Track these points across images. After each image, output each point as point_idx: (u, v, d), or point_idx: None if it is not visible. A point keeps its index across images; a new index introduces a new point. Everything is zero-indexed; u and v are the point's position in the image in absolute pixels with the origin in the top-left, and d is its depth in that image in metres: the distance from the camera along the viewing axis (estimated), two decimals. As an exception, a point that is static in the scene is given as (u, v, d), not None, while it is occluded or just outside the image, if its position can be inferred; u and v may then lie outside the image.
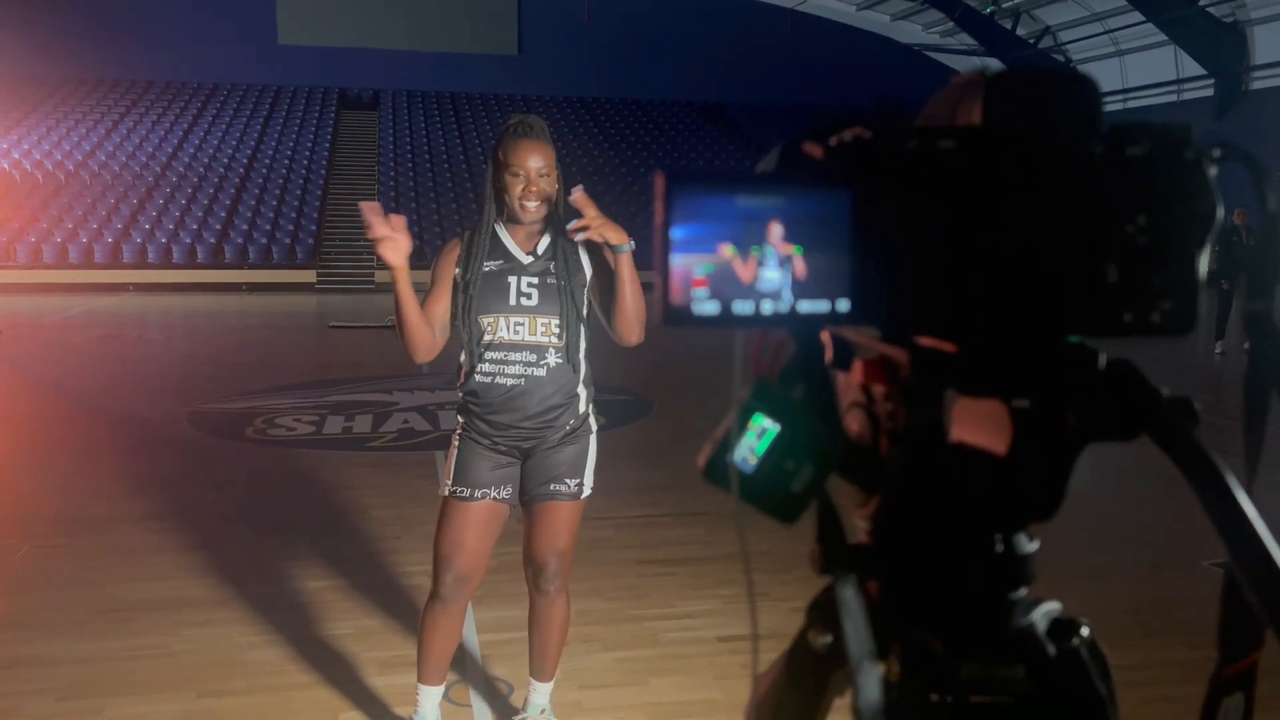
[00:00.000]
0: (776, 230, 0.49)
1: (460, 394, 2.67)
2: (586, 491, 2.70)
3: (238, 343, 13.44)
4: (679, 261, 0.49)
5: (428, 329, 2.54)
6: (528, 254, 2.59)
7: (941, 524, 0.55)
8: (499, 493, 2.63)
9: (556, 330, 2.57)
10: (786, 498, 0.53)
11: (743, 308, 0.49)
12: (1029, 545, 0.56)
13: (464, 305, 2.56)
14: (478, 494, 2.61)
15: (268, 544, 4.69)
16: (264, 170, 26.30)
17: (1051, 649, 0.56)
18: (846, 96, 28.85)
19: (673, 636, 3.65)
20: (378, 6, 31.86)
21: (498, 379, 2.56)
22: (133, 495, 5.50)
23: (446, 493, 2.64)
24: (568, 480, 2.65)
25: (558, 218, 2.59)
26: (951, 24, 30.75)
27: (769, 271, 0.49)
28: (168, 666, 3.40)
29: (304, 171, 26.61)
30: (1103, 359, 0.53)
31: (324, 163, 27.27)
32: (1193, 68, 25.77)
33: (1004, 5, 28.93)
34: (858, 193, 0.49)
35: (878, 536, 0.56)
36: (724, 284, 0.49)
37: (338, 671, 3.36)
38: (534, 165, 2.51)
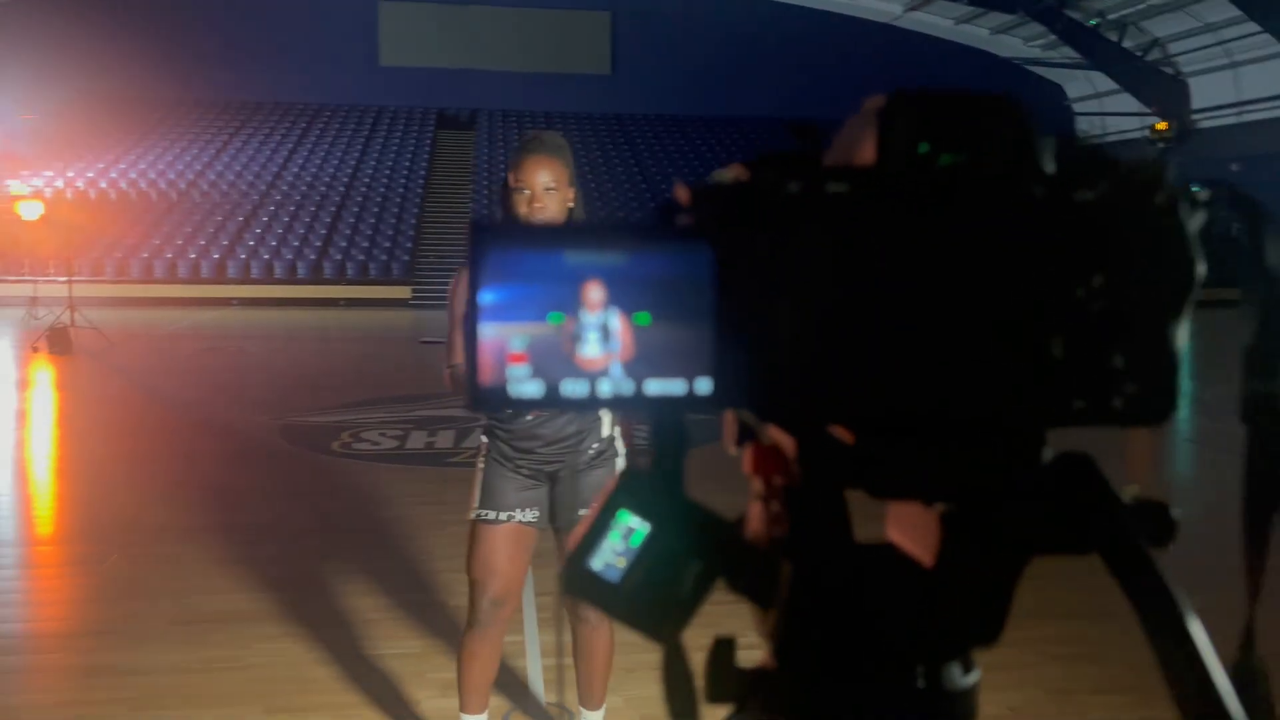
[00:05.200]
0: (596, 292, 0.40)
1: (484, 418, 2.65)
2: None
3: (332, 356, 13.79)
4: (491, 332, 0.39)
5: None
6: None
7: (850, 651, 0.44)
8: (525, 515, 2.61)
9: None
10: (662, 612, 0.43)
11: (574, 389, 0.40)
12: (964, 678, 0.45)
13: None
14: (503, 516, 2.59)
15: (344, 558, 4.75)
16: (363, 189, 27.03)
17: None
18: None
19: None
20: (476, 28, 32.53)
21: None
22: (220, 505, 5.64)
23: (474, 516, 2.63)
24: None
25: None
26: (1054, 38, 29.93)
27: (589, 345, 0.40)
28: (239, 680, 3.45)
29: (401, 190, 27.26)
30: (1047, 453, 0.42)
31: (421, 181, 27.90)
32: (1314, 79, 24.52)
33: (1110, 18, 28.02)
34: (721, 248, 0.40)
35: (780, 660, 0.45)
36: (549, 359, 0.40)
37: (400, 691, 3.36)
38: (541, 181, 2.42)
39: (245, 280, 22.80)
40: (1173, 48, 28.41)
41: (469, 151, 30.29)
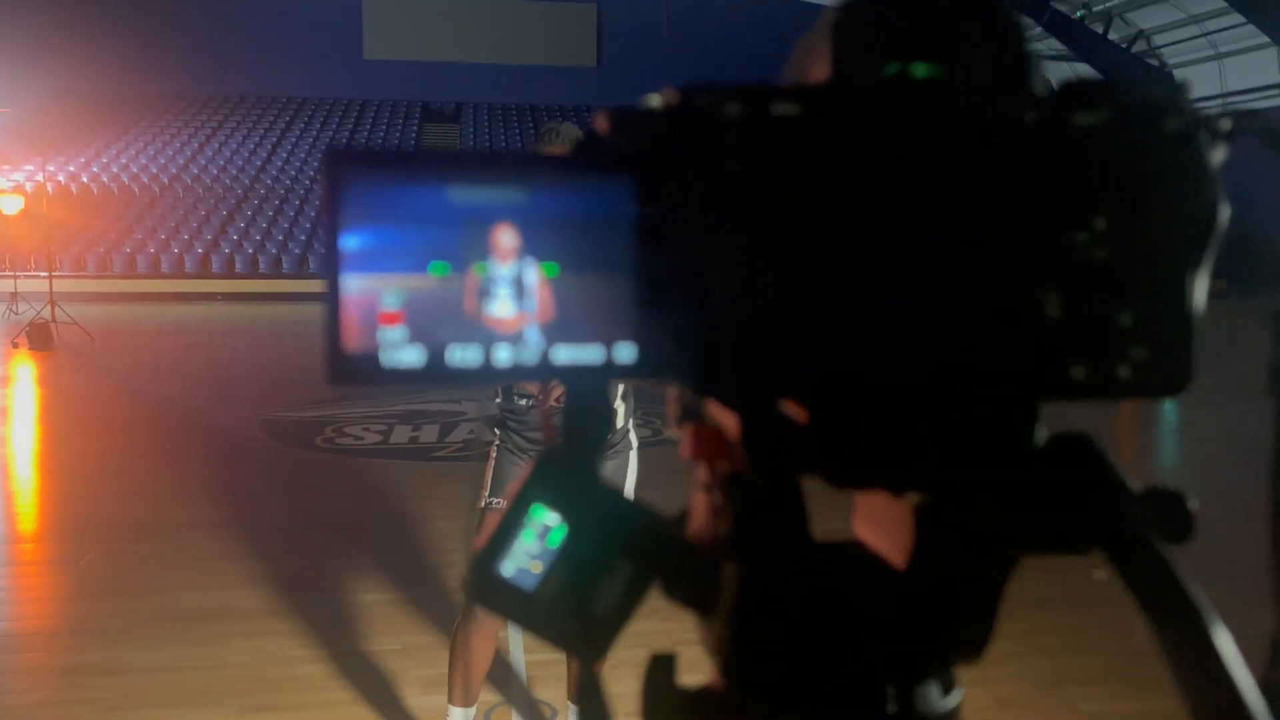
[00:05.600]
0: (508, 238, 0.32)
1: (498, 409, 2.61)
2: None
3: (316, 351, 13.61)
4: (356, 286, 0.31)
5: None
6: None
7: (809, 668, 0.36)
8: None
9: None
10: (586, 626, 0.36)
11: (463, 356, 0.32)
12: (943, 700, 0.37)
13: None
14: None
15: (326, 554, 4.70)
16: (348, 182, 26.87)
17: None
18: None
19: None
20: (460, 20, 32.37)
21: (530, 398, 2.49)
22: (200, 501, 5.58)
23: (483, 505, 2.60)
24: None
25: None
26: (1040, 29, 29.97)
27: (500, 302, 0.32)
28: (218, 679, 3.40)
29: (387, 183, 27.12)
30: (1041, 433, 0.35)
31: (406, 174, 27.76)
32: (1298, 70, 24.63)
33: (1095, 9, 28.09)
34: (644, 181, 0.32)
35: (727, 678, 0.37)
36: (432, 320, 0.32)
37: (381, 689, 3.32)
38: None
39: (229, 275, 22.65)
40: (1158, 40, 28.51)
41: (454, 144, 30.15)
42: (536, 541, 0.36)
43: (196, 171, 26.56)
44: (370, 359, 0.32)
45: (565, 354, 0.33)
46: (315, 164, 27.45)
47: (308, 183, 26.47)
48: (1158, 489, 0.35)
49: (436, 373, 0.32)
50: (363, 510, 5.57)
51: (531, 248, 0.33)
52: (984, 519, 0.35)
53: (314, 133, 29.60)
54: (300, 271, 23.05)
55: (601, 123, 0.34)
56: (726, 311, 0.33)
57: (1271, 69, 26.02)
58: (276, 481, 6.23)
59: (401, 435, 7.55)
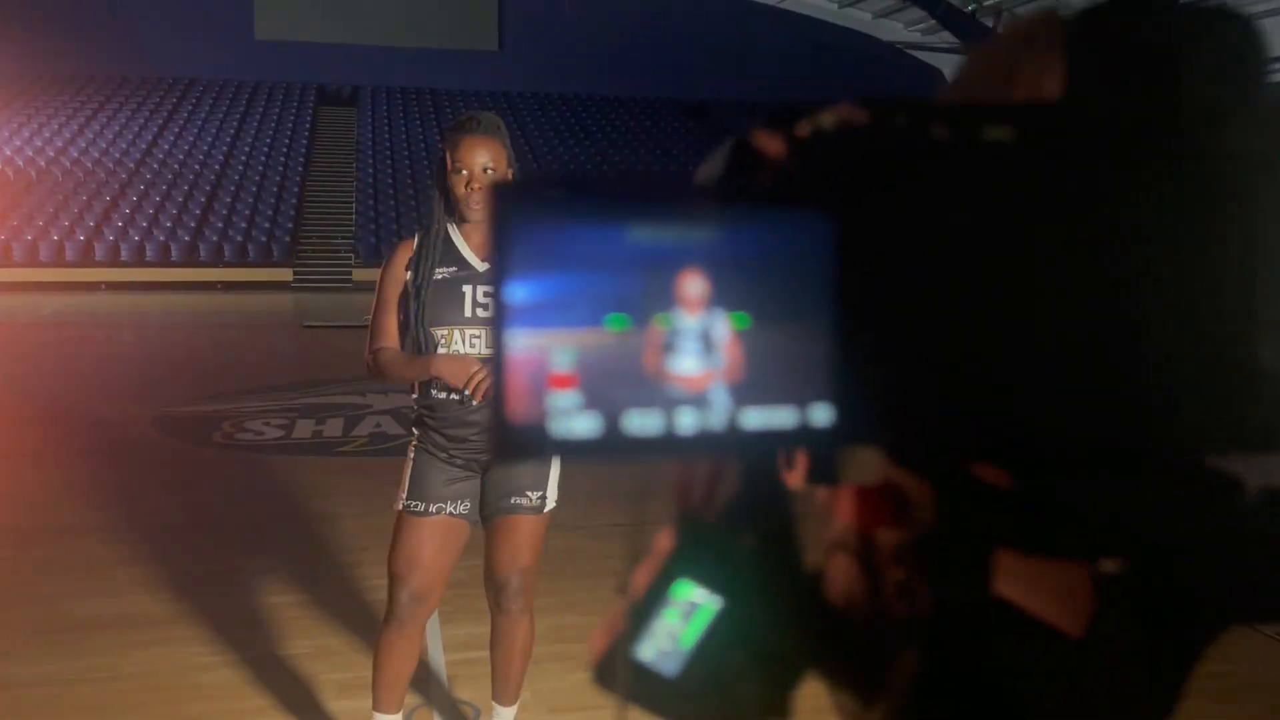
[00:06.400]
0: (695, 285, 0.28)
1: (414, 406, 2.52)
2: (550, 504, 2.55)
3: (210, 343, 13.19)
4: (524, 344, 0.27)
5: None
6: (483, 260, 2.43)
7: None
8: (456, 507, 2.49)
9: None
10: (735, 717, 0.32)
11: (643, 423, 0.28)
12: None
13: (415, 313, 2.40)
14: (433, 509, 2.47)
15: (228, 556, 4.50)
16: (240, 167, 25.98)
17: None
18: (831, 94, 28.88)
19: (650, 654, 3.48)
20: (356, 1, 31.54)
21: (454, 394, 2.40)
22: (89, 503, 5.29)
23: (400, 507, 2.51)
24: (529, 493, 2.51)
25: None
26: (933, 23, 30.75)
27: (686, 359, 0.28)
28: (114, 690, 3.22)
29: (280, 168, 26.31)
30: (1250, 488, 0.31)
31: (301, 160, 26.97)
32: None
33: (986, 3, 28.93)
34: (846, 220, 0.28)
35: None
36: (607, 382, 0.28)
37: (295, 695, 3.18)
38: (479, 161, 2.36)
39: (114, 263, 21.68)
40: (1044, 34, 29.56)
41: (351, 129, 29.41)
42: (680, 621, 0.32)
43: (76, 155, 25.32)
44: (538, 430, 0.27)
45: (756, 418, 0.28)
46: (205, 147, 26.45)
47: (196, 167, 25.50)
48: None
49: (613, 444, 0.28)
50: (266, 509, 5.37)
51: (721, 296, 0.28)
52: (1189, 586, 0.31)
53: (202, 115, 28.50)
54: (189, 260, 22.22)
55: (771, 144, 0.29)
56: (932, 366, 0.28)
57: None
58: (172, 481, 5.95)
59: (304, 430, 7.31)
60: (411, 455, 2.54)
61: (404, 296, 2.44)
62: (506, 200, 0.27)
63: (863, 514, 0.33)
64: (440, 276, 2.40)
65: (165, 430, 7.32)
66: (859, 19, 33.98)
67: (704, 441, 0.28)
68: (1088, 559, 0.31)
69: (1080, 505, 0.30)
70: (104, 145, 25.93)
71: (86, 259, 21.61)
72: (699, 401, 0.28)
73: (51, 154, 25.15)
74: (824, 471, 0.33)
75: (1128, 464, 0.30)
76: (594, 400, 0.27)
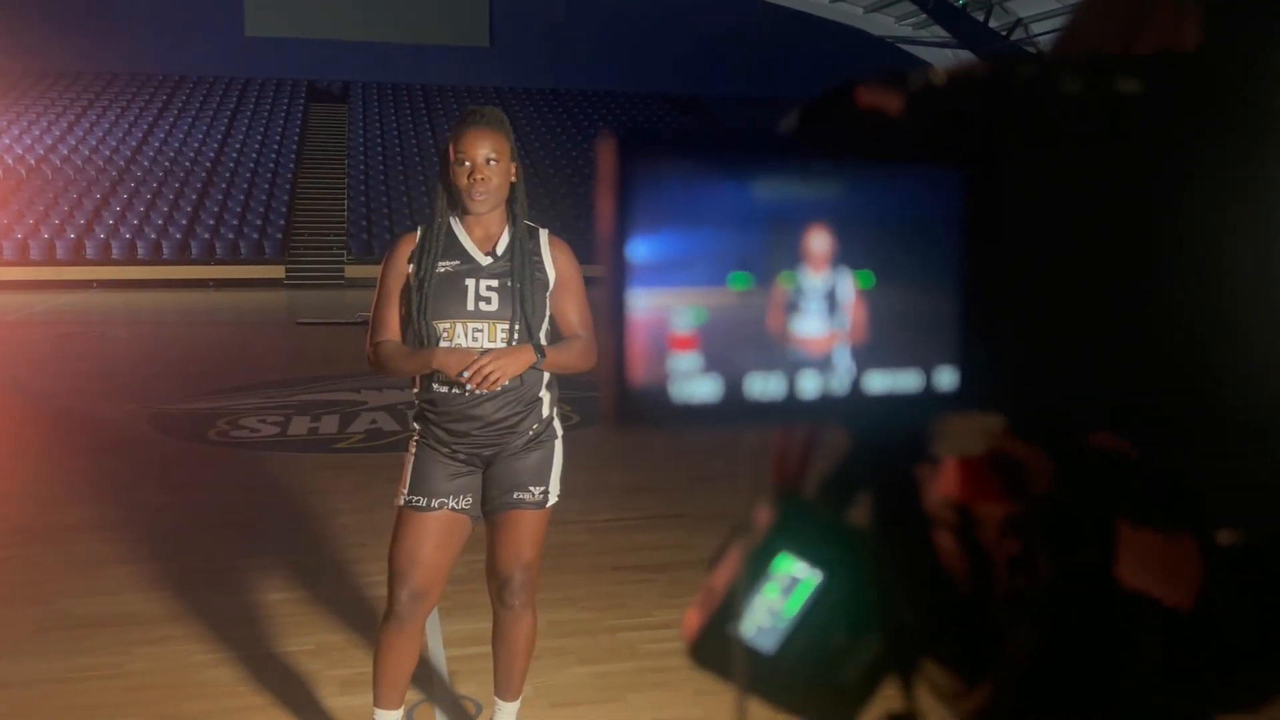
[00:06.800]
0: (821, 242, 0.27)
1: (416, 400, 2.52)
2: (553, 499, 2.56)
3: (203, 340, 13.16)
4: (644, 304, 0.26)
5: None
6: (486, 254, 2.44)
7: None
8: (458, 502, 2.49)
9: (518, 337, 2.42)
10: (835, 693, 0.31)
11: (764, 387, 0.27)
12: None
13: (418, 306, 2.40)
14: (435, 504, 2.47)
15: (227, 553, 4.50)
16: (231, 164, 25.90)
17: None
18: (822, 89, 28.87)
19: (651, 649, 3.50)
20: (347, -2, 31.44)
21: (455, 388, 2.40)
22: (87, 502, 5.29)
23: (402, 502, 2.50)
24: (532, 488, 2.51)
25: (515, 213, 2.46)
26: (924, 16, 30.78)
27: (810, 319, 0.27)
28: (117, 688, 3.22)
29: (272, 165, 26.23)
30: None
31: (292, 156, 26.89)
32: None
33: (976, -3, 28.99)
34: (974, 175, 0.27)
35: None
36: (728, 343, 0.27)
37: (296, 691, 3.19)
38: (481, 153, 2.37)
39: (105, 261, 21.61)
40: (1035, 27, 29.59)
41: (342, 125, 29.33)
42: (781, 596, 0.31)
43: (67, 152, 25.22)
44: (659, 394, 0.26)
45: (879, 381, 0.28)
46: (196, 144, 26.35)
47: (187, 164, 25.41)
48: None
49: (734, 409, 0.27)
50: (263, 506, 5.37)
51: (847, 254, 0.27)
52: None
53: (193, 112, 28.40)
54: (180, 257, 22.15)
55: (888, 99, 0.29)
56: (1067, 330, 0.28)
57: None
58: (169, 479, 5.95)
59: (300, 426, 7.31)
60: (413, 450, 2.53)
61: (406, 290, 2.44)
62: (630, 153, 0.26)
63: (967, 486, 0.32)
64: (443, 270, 2.40)
65: (161, 428, 7.31)
66: (850, 13, 33.99)
67: (826, 406, 0.28)
68: (1205, 531, 0.30)
69: (1200, 476, 0.29)
70: (95, 142, 25.82)
71: (78, 257, 21.53)
72: (822, 364, 0.27)
73: (42, 151, 25.03)
74: (921, 446, 0.32)
75: (1250, 436, 0.29)
76: (714, 363, 0.27)
